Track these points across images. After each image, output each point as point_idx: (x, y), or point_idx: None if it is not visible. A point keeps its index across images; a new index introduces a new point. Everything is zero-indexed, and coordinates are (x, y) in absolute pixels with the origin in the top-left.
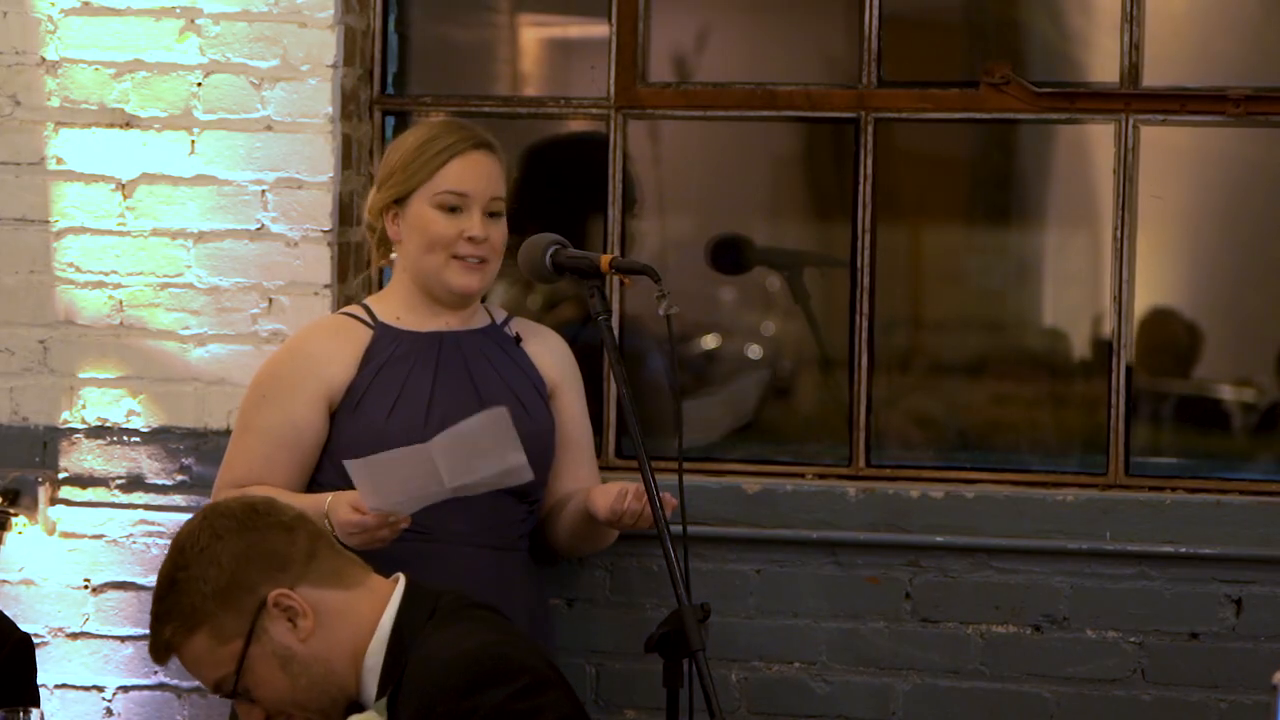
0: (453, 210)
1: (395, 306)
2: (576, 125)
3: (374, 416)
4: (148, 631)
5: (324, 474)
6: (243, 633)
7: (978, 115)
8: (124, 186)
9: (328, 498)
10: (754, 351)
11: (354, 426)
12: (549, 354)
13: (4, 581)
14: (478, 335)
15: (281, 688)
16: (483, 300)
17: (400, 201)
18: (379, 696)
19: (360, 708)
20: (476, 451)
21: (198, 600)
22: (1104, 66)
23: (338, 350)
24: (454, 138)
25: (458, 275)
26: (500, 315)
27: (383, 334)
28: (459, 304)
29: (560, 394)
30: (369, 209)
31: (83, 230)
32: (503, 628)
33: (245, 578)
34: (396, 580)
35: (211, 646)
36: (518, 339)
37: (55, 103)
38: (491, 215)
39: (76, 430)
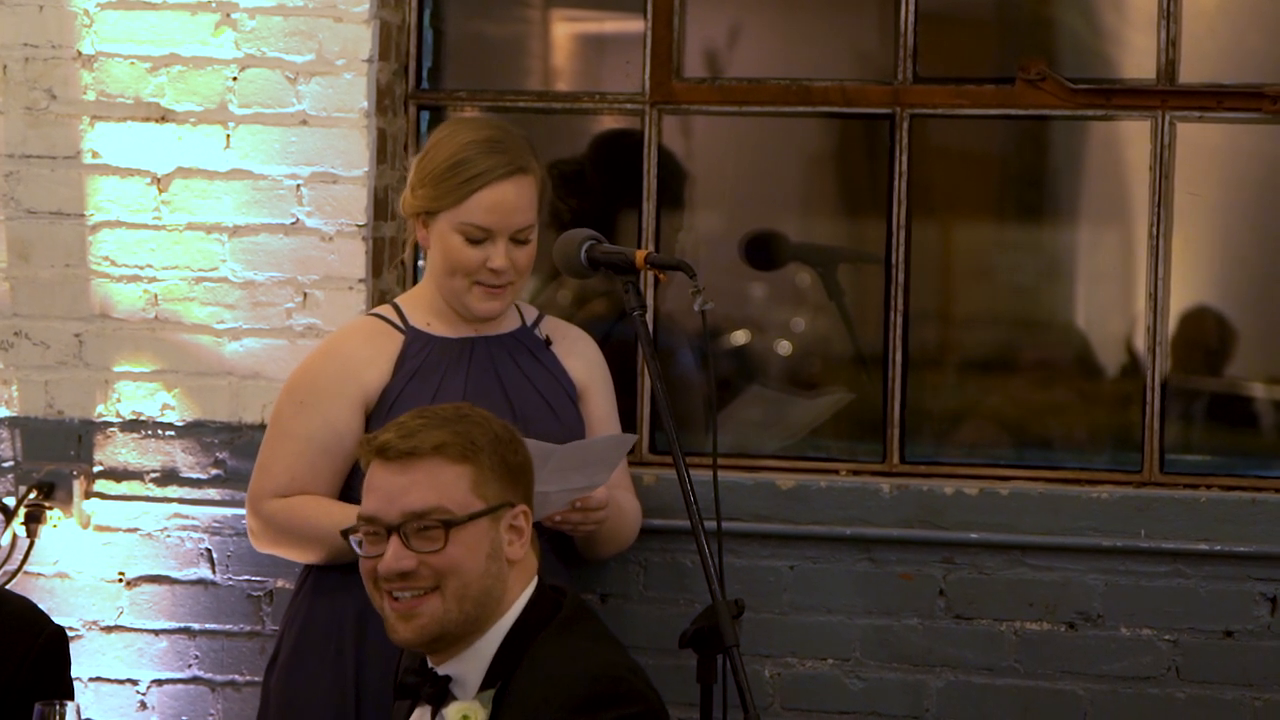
0: (477, 241)
1: (425, 311)
2: (611, 120)
3: None
4: (183, 625)
5: (357, 479)
6: (490, 502)
7: (1014, 111)
8: (159, 180)
9: None
10: (783, 348)
11: None
12: (578, 357)
13: (39, 575)
14: (507, 340)
15: (472, 569)
16: None
17: (429, 214)
18: (484, 686)
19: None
20: (581, 464)
21: (482, 441)
22: (1139, 63)
23: (374, 354)
24: (487, 163)
25: (479, 300)
26: (531, 315)
27: (414, 339)
28: (481, 323)
29: (589, 397)
30: (402, 205)
31: (118, 224)
32: (621, 646)
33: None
34: (534, 573)
35: (461, 482)
36: (547, 341)
37: (91, 96)
38: (517, 242)
39: (111, 424)
